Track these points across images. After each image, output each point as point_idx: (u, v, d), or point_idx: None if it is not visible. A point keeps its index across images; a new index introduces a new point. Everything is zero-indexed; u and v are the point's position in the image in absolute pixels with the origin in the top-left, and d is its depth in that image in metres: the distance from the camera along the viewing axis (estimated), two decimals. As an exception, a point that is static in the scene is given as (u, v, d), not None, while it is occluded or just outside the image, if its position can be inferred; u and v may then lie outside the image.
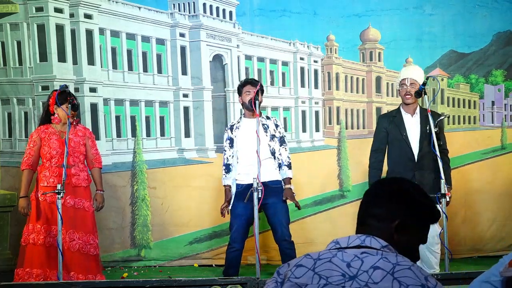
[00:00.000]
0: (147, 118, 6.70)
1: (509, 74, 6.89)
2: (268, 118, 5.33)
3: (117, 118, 6.61)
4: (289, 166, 5.22)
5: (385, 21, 6.66)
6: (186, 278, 4.45)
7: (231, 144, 5.27)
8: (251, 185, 4.68)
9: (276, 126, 5.27)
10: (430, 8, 6.64)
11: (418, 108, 5.06)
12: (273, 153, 5.15)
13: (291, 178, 5.20)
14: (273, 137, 5.18)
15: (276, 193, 5.05)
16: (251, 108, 5.07)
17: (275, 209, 5.06)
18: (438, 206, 4.52)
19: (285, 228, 5.10)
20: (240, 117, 5.41)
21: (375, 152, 5.20)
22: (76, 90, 6.34)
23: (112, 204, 6.43)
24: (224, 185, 5.28)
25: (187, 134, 6.74)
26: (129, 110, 6.63)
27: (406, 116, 5.06)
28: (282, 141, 5.25)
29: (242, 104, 5.28)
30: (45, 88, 6.45)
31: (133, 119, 6.64)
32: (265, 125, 5.19)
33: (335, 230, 6.60)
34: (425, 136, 4.94)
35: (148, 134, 6.69)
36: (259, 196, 4.58)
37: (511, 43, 6.84)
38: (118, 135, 6.60)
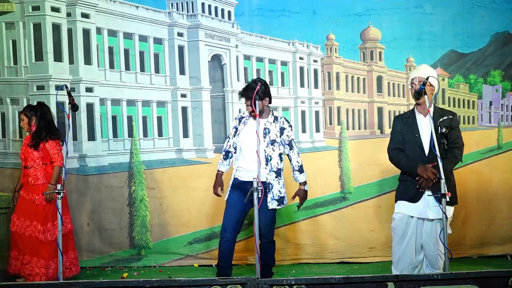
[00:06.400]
0: (144, 118, 6.65)
1: (506, 75, 6.90)
2: (276, 119, 5.25)
3: (114, 118, 6.56)
4: (300, 170, 5.25)
5: (385, 20, 6.64)
6: (186, 278, 4.47)
7: (235, 134, 5.34)
8: (246, 182, 4.97)
9: (282, 129, 5.22)
10: (430, 8, 6.63)
11: (432, 108, 4.91)
12: (267, 160, 5.11)
13: (304, 182, 5.24)
14: (273, 142, 5.15)
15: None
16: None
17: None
18: (438, 206, 4.50)
19: (270, 228, 5.18)
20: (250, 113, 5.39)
21: (392, 150, 5.08)
22: (72, 89, 6.26)
23: (109, 205, 6.39)
24: (218, 170, 5.40)
25: (186, 135, 6.70)
26: (126, 110, 6.58)
27: (419, 117, 4.95)
28: (290, 146, 5.24)
29: None
30: (40, 87, 6.39)
31: (130, 119, 6.58)
32: (267, 129, 5.14)
33: (337, 232, 6.57)
34: (435, 136, 4.84)
35: (145, 135, 6.64)
36: (259, 196, 4.53)
37: (509, 43, 6.85)
38: (115, 135, 6.55)
